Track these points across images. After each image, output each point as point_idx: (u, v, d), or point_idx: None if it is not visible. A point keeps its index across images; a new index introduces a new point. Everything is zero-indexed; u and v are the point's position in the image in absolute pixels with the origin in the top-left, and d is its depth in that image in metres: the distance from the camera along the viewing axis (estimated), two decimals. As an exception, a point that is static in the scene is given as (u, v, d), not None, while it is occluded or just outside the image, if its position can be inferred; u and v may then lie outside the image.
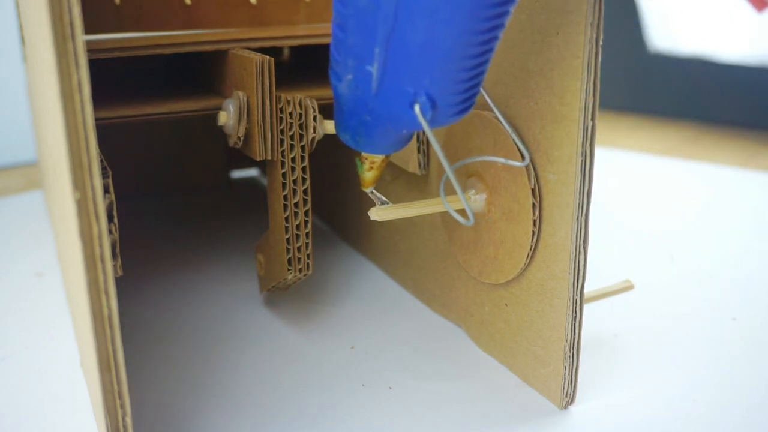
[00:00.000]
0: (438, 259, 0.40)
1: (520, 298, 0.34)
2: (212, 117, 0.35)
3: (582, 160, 0.29)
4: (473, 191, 0.34)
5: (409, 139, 0.29)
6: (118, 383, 0.25)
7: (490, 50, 0.25)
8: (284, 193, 0.35)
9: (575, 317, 0.31)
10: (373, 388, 0.34)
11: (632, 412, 0.32)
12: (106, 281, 0.24)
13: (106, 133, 0.40)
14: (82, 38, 0.22)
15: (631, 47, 0.89)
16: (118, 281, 0.27)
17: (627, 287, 0.37)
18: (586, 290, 0.32)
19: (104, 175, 0.28)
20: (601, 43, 0.27)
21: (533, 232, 0.31)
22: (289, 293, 0.44)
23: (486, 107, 0.33)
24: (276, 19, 0.44)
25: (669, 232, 0.53)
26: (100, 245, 0.23)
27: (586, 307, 0.34)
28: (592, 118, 0.28)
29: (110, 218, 0.27)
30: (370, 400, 0.33)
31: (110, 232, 0.27)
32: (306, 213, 0.35)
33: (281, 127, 0.34)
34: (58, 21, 0.21)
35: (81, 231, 0.23)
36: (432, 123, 0.26)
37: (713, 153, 0.75)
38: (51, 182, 0.35)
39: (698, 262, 0.48)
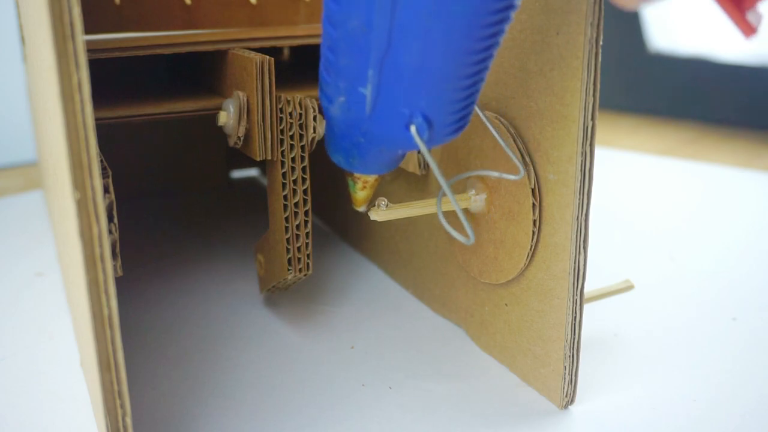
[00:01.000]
0: (438, 259, 0.40)
1: (520, 298, 0.34)
2: (212, 117, 0.35)
3: (582, 160, 0.29)
4: (473, 191, 0.34)
5: (403, 158, 0.29)
6: (118, 383, 0.25)
7: (486, 68, 0.25)
8: (284, 193, 0.35)
9: (575, 317, 0.31)
10: (373, 388, 0.34)
11: (632, 411, 0.32)
12: (106, 281, 0.24)
13: (106, 133, 0.40)
14: (82, 38, 0.22)
15: (631, 47, 0.89)
16: (118, 281, 0.27)
17: (627, 287, 0.37)
18: (586, 290, 0.32)
19: (104, 175, 0.28)
20: (601, 43, 0.27)
21: (533, 232, 0.31)
22: (289, 293, 0.44)
23: (487, 106, 0.33)
24: (276, 19, 0.44)
25: (669, 232, 0.53)
26: (100, 245, 0.23)
27: (586, 307, 0.34)
28: (592, 118, 0.28)
29: (110, 218, 0.27)
30: (370, 400, 0.33)
31: (110, 232, 0.27)
32: (306, 213, 0.35)
33: (281, 127, 0.34)
34: (58, 21, 0.21)
35: (81, 231, 0.23)
36: (428, 143, 0.25)
37: (713, 153, 0.75)
38: (51, 182, 0.35)
39: (698, 262, 0.48)
